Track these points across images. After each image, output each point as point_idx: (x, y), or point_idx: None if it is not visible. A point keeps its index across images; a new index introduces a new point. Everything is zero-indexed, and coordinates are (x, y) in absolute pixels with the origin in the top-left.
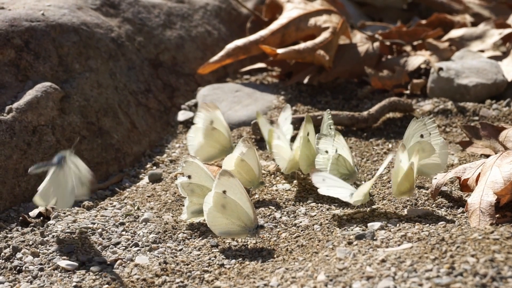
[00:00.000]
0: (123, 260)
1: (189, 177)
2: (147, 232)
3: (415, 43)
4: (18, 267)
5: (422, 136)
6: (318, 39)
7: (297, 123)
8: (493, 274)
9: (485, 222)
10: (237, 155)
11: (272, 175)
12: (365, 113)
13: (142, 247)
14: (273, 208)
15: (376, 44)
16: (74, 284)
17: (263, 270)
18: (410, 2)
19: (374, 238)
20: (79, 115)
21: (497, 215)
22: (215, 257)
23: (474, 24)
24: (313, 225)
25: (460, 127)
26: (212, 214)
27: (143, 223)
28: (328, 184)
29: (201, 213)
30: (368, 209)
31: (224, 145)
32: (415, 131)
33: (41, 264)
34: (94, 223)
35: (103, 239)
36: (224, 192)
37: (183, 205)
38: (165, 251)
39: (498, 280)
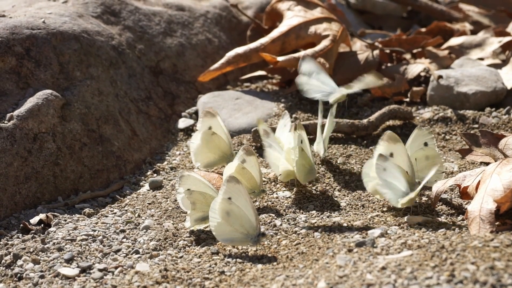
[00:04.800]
0: (124, 267)
1: (188, 190)
2: (148, 239)
3: (414, 51)
4: (18, 274)
5: (426, 144)
6: (318, 47)
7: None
8: (493, 281)
9: (485, 230)
10: (238, 163)
11: (273, 183)
12: (365, 120)
13: (143, 254)
14: (273, 215)
15: (376, 52)
16: None
17: (264, 277)
18: (410, 10)
19: (374, 245)
20: (80, 122)
21: (497, 223)
22: (215, 264)
23: (474, 32)
24: (313, 232)
25: (460, 135)
26: (217, 220)
27: (144, 230)
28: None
29: (204, 221)
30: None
31: (224, 152)
32: (416, 138)
33: (41, 271)
34: (94, 230)
35: (104, 246)
36: (230, 198)
37: (185, 212)
38: (165, 258)
39: (498, 287)
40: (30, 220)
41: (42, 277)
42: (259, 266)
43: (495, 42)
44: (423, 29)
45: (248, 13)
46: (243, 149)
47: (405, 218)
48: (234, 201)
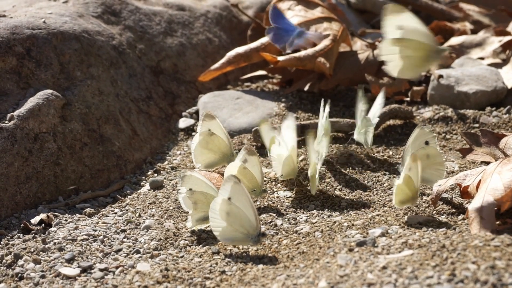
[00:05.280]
0: (125, 267)
1: (190, 190)
2: (149, 239)
3: None
4: (19, 274)
5: (427, 143)
6: (318, 47)
7: (297, 130)
8: (494, 281)
9: (486, 229)
10: (240, 163)
11: (273, 182)
12: None
13: (144, 254)
14: (274, 215)
15: (377, 51)
16: None
17: (264, 277)
18: (410, 9)
19: (375, 245)
20: (80, 122)
21: (498, 222)
22: (216, 264)
23: (474, 32)
24: (314, 232)
25: (461, 134)
26: (217, 220)
27: (145, 230)
28: None
29: (206, 220)
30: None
31: (224, 152)
32: (418, 137)
33: (42, 271)
34: (95, 230)
35: (105, 246)
36: (229, 198)
37: (186, 212)
38: (166, 258)
39: (499, 287)
40: (31, 220)
41: (43, 277)
42: (260, 265)
43: (495, 42)
44: None
45: (248, 13)
46: (245, 149)
47: (406, 218)
48: (234, 200)
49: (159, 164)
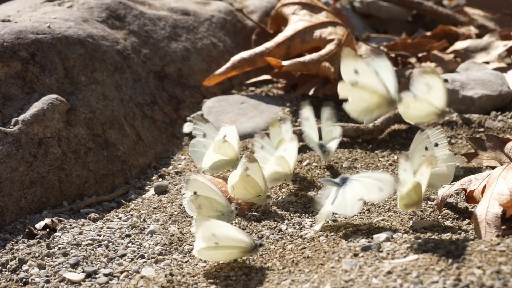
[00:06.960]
0: (129, 272)
1: (194, 193)
2: (153, 244)
3: (420, 55)
4: (24, 279)
5: (426, 148)
6: (323, 51)
7: (301, 135)
8: (499, 286)
9: (491, 234)
10: (242, 171)
11: (278, 187)
12: (370, 125)
13: (148, 259)
14: (278, 219)
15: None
16: None
17: (269, 282)
18: (415, 14)
19: (380, 249)
20: (85, 127)
21: (503, 227)
22: (221, 269)
23: (479, 36)
24: (318, 236)
25: (466, 139)
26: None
27: (149, 235)
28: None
29: None
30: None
31: (231, 156)
32: (420, 143)
33: (47, 276)
34: (100, 235)
35: (109, 251)
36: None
37: (191, 217)
38: (171, 263)
39: None
40: (36, 225)
41: (47, 282)
42: (265, 270)
43: (500, 46)
44: (428, 33)
45: (253, 18)
46: (245, 157)
47: (411, 222)
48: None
49: (163, 169)
